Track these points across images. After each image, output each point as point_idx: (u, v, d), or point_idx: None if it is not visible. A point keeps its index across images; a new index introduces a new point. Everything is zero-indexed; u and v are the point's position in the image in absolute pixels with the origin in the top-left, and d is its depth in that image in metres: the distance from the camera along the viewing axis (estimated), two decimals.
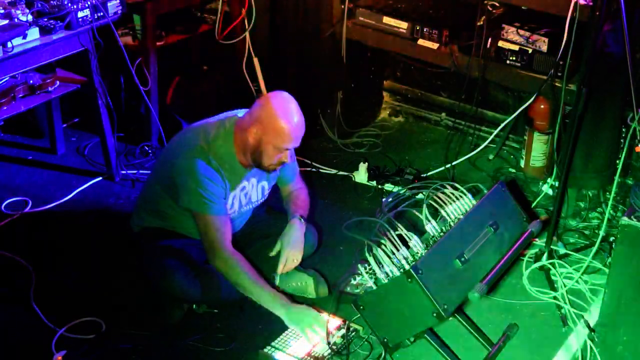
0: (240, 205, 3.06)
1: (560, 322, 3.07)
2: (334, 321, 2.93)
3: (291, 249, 3.05)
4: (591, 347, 2.85)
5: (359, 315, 2.65)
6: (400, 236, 2.60)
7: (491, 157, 4.22)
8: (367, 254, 2.58)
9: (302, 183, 3.29)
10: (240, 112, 2.98)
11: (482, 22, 3.76)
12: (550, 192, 3.77)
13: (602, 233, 3.20)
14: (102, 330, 2.95)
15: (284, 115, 2.83)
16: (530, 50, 3.65)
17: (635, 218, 2.57)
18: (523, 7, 3.69)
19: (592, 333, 2.91)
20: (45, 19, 3.30)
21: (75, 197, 3.84)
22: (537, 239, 3.43)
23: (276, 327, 2.89)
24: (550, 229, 3.29)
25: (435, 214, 2.75)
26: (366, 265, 2.60)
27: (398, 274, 2.52)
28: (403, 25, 3.97)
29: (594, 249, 3.23)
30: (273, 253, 3.07)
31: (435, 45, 3.91)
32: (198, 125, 3.00)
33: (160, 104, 4.14)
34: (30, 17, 3.24)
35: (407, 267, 2.52)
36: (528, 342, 2.98)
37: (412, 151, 4.37)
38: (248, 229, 3.23)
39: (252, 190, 3.09)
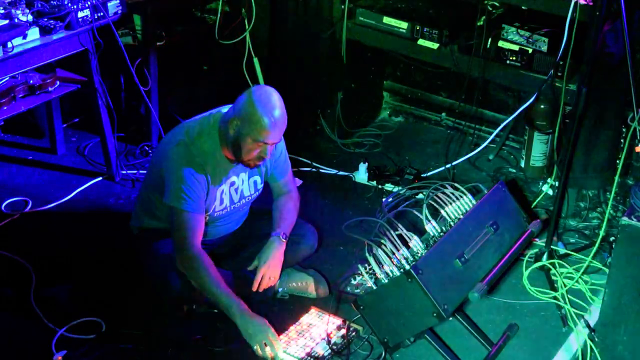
0: (232, 201, 3.05)
1: (560, 322, 3.07)
2: (334, 321, 2.94)
3: (267, 267, 3.01)
4: (591, 347, 2.85)
5: (359, 315, 2.65)
6: (400, 236, 2.60)
7: (491, 157, 4.22)
8: (367, 254, 2.58)
9: (293, 185, 3.27)
10: (226, 108, 2.97)
11: (482, 22, 3.76)
12: (550, 192, 3.77)
13: (602, 233, 3.20)
14: (102, 330, 2.95)
15: (264, 108, 2.78)
16: (530, 50, 3.65)
17: (635, 218, 2.57)
18: (523, 7, 3.69)
19: (592, 333, 2.91)
20: (45, 19, 3.30)
21: (75, 197, 3.84)
22: (537, 239, 3.43)
23: (276, 327, 2.89)
24: (550, 229, 3.29)
25: (435, 214, 2.75)
26: (366, 265, 2.61)
27: (398, 274, 2.53)
28: (403, 25, 3.97)
29: (594, 249, 3.23)
30: (250, 268, 3.06)
31: (435, 45, 3.91)
32: (184, 122, 3.00)
33: (161, 104, 4.14)
34: (30, 17, 3.24)
35: (407, 267, 2.52)
36: (528, 342, 2.98)
37: (412, 151, 4.36)
38: (247, 229, 3.23)
39: (243, 186, 3.07)
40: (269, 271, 3.01)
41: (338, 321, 2.95)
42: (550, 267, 3.31)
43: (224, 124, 2.89)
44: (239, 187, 3.06)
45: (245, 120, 2.80)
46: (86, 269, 3.32)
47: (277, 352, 2.76)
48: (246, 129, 2.80)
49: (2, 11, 3.21)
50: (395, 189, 3.96)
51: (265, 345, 2.76)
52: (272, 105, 2.80)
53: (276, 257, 3.03)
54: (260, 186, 3.14)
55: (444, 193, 2.79)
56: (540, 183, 3.88)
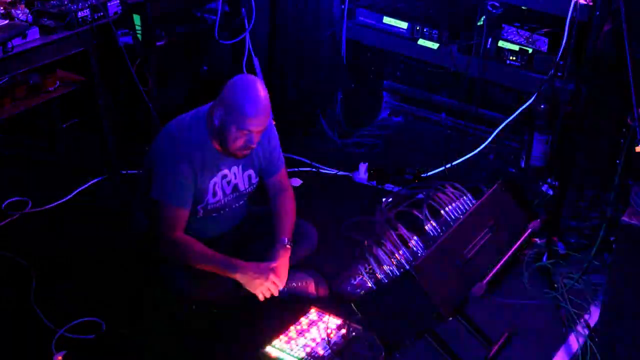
0: (224, 193, 3.05)
1: (560, 322, 3.07)
2: (334, 321, 2.94)
3: (274, 276, 2.99)
4: (591, 347, 2.85)
5: (359, 315, 2.65)
6: (400, 236, 2.60)
7: (491, 157, 4.22)
8: (367, 254, 2.58)
9: (287, 182, 3.26)
10: None
11: (482, 22, 3.76)
12: (550, 192, 3.76)
13: (602, 233, 3.20)
14: (102, 330, 2.96)
15: (245, 96, 2.80)
16: (530, 50, 3.65)
17: (635, 218, 2.57)
18: (523, 7, 3.69)
19: (592, 333, 2.91)
20: (45, 19, 3.30)
21: (75, 197, 3.84)
22: (537, 239, 3.43)
23: (276, 327, 2.89)
24: (550, 229, 3.29)
25: (435, 214, 2.75)
26: (366, 265, 2.61)
27: (398, 274, 2.52)
28: (403, 25, 3.98)
29: (594, 249, 3.23)
30: None
31: (435, 45, 3.92)
32: (176, 118, 3.02)
33: (161, 104, 4.14)
34: (30, 17, 3.24)
35: (407, 267, 2.52)
36: (528, 342, 2.98)
37: (412, 151, 4.36)
38: (247, 228, 3.23)
39: (236, 179, 3.07)
40: (276, 279, 3.00)
41: (338, 321, 2.95)
42: (550, 267, 3.31)
43: (210, 115, 2.90)
44: (232, 180, 3.06)
45: (228, 108, 2.82)
46: (86, 269, 3.32)
47: (277, 290, 2.90)
48: (230, 117, 2.81)
49: (2, 11, 3.21)
50: (395, 189, 3.96)
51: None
52: (253, 93, 2.82)
53: (282, 264, 3.03)
54: (254, 180, 3.14)
55: (444, 193, 2.79)
56: (540, 183, 3.88)
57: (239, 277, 2.90)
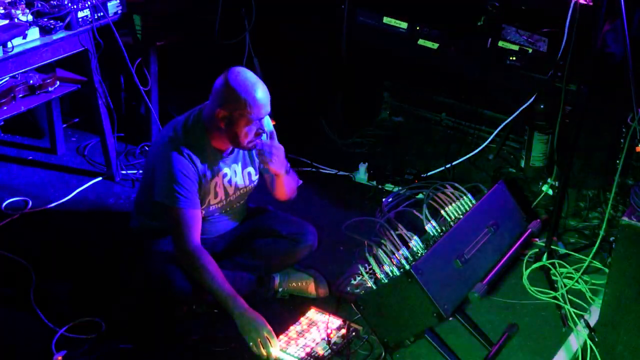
0: (226, 193, 3.05)
1: (560, 322, 3.07)
2: (334, 321, 2.94)
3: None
4: (591, 347, 2.85)
5: (359, 315, 2.65)
6: (400, 236, 2.60)
7: (491, 157, 4.22)
8: (367, 254, 2.58)
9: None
10: None
11: (482, 22, 3.76)
12: (550, 192, 3.77)
13: (602, 233, 3.20)
14: (102, 330, 2.95)
15: (245, 89, 2.80)
16: (530, 50, 3.65)
17: (635, 218, 2.57)
18: (523, 7, 3.69)
19: (592, 333, 2.91)
20: (45, 19, 3.30)
21: (75, 197, 3.85)
22: (537, 239, 3.44)
23: (276, 327, 2.89)
24: (550, 229, 3.29)
25: (435, 214, 2.75)
26: (366, 265, 2.61)
27: (398, 274, 2.53)
28: (403, 25, 3.97)
29: (594, 249, 3.23)
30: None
31: (435, 45, 3.91)
32: (173, 119, 3.02)
33: (161, 104, 4.14)
34: (30, 17, 3.25)
35: (407, 267, 2.52)
36: (528, 342, 2.99)
37: (412, 151, 4.36)
38: (247, 227, 3.23)
39: (236, 177, 3.07)
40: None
41: (338, 321, 2.95)
42: (550, 267, 3.31)
43: (209, 115, 2.89)
44: (232, 178, 3.06)
45: (232, 108, 2.81)
46: (86, 269, 3.32)
47: (273, 349, 2.76)
48: (236, 112, 2.81)
49: (2, 11, 3.22)
50: (395, 189, 3.96)
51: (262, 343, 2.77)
52: (251, 83, 2.81)
53: (277, 147, 2.99)
54: (255, 177, 3.14)
55: (444, 193, 2.79)
56: (540, 183, 3.87)
57: (235, 318, 2.82)
